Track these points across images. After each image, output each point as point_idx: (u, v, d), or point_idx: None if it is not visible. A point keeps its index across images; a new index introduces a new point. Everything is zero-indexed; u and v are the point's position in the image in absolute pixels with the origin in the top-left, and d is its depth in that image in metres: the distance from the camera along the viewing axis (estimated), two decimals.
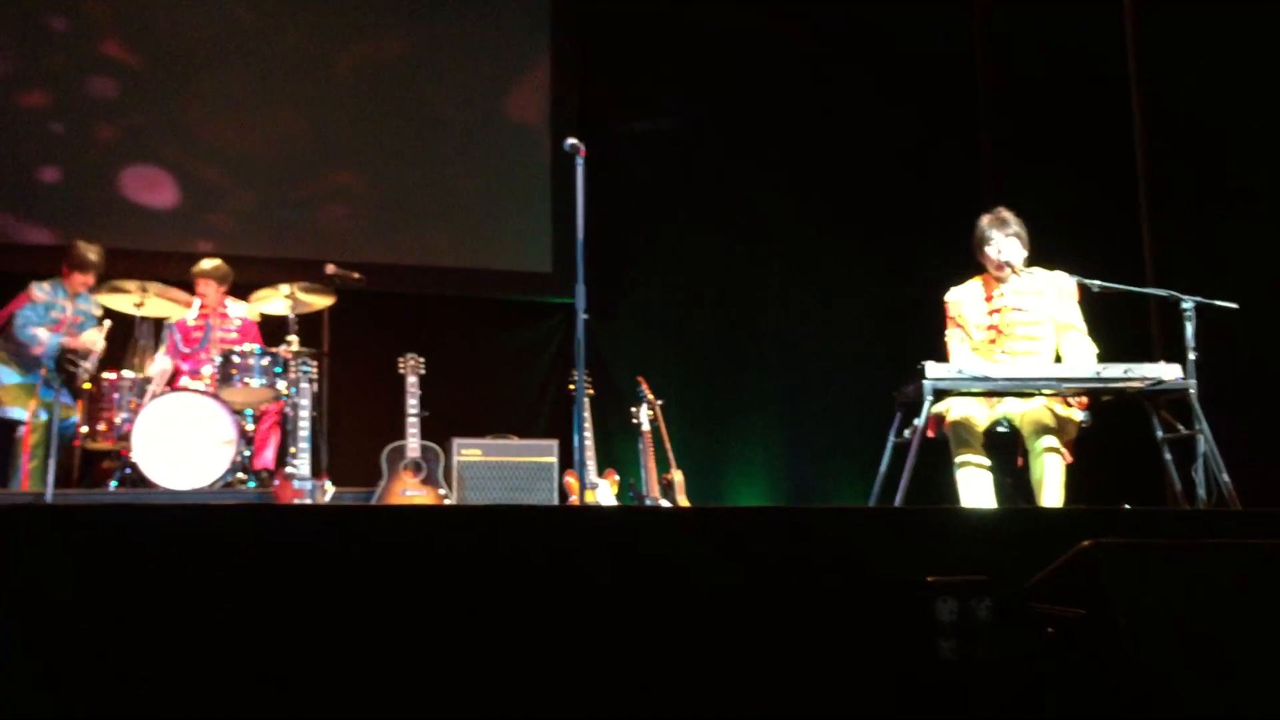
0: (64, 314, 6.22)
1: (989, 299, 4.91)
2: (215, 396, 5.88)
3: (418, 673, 2.38)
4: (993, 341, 4.86)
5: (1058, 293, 4.83)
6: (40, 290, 6.21)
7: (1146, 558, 1.92)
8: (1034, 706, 2.06)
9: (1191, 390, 4.46)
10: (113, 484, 5.81)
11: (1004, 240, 4.84)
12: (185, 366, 6.35)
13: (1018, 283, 4.85)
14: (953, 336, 4.98)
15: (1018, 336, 4.82)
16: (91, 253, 6.22)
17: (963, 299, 4.97)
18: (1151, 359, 4.60)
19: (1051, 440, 4.57)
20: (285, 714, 2.29)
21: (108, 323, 6.18)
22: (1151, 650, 1.82)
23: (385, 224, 7.62)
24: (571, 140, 4.66)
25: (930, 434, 4.71)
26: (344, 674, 2.35)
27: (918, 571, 2.27)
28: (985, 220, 4.90)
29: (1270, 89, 5.71)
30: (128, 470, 5.75)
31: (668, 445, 6.25)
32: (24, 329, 6.09)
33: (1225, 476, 4.40)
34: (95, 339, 6.09)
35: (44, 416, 5.83)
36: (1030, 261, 4.89)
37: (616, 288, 6.89)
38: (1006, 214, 4.90)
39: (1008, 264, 4.83)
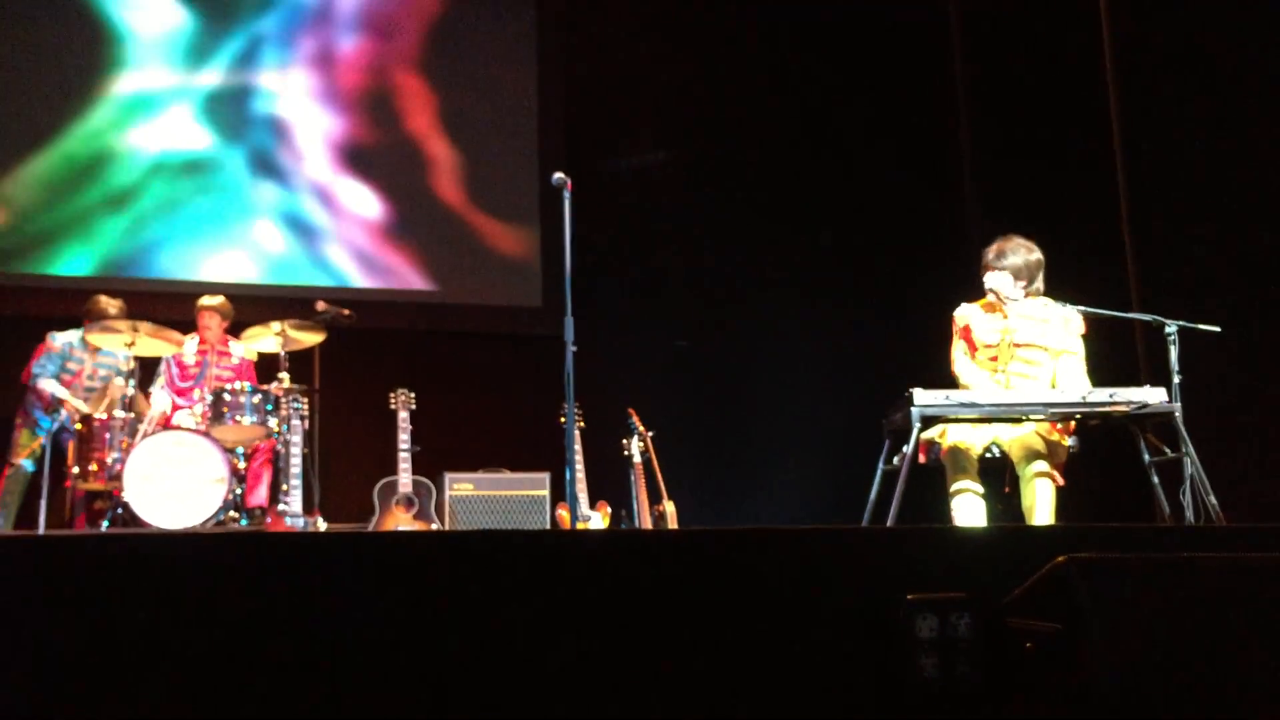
0: (81, 366, 6.24)
1: (993, 323, 4.93)
2: (207, 435, 5.89)
3: (407, 698, 2.39)
4: (994, 359, 4.88)
5: (1064, 325, 4.85)
6: (55, 340, 6.23)
7: (1120, 571, 1.94)
8: None
9: (1177, 414, 4.48)
10: (105, 524, 5.81)
11: (993, 274, 4.88)
12: (180, 401, 6.36)
13: (1022, 308, 4.88)
14: (958, 348, 5.00)
15: (1017, 359, 4.84)
16: (112, 307, 6.21)
17: (970, 315, 4.99)
18: (1137, 383, 4.63)
19: (1042, 465, 4.58)
20: None
21: (118, 381, 6.17)
22: (1126, 663, 1.84)
23: (375, 259, 7.67)
24: (559, 174, 4.71)
25: (922, 460, 4.72)
26: (334, 699, 2.36)
27: (899, 590, 2.29)
28: (990, 249, 4.94)
29: (1253, 111, 5.77)
30: (119, 510, 5.75)
31: (659, 476, 6.26)
32: (36, 379, 6.13)
33: (1212, 498, 4.42)
34: (78, 406, 6.11)
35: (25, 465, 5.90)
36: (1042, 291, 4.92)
37: (606, 320, 6.90)
38: (1006, 244, 4.90)
39: (996, 294, 4.87)
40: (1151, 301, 5.52)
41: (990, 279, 4.88)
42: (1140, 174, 6.26)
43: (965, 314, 5.01)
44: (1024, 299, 4.86)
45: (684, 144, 7.98)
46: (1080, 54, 6.65)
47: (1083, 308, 4.82)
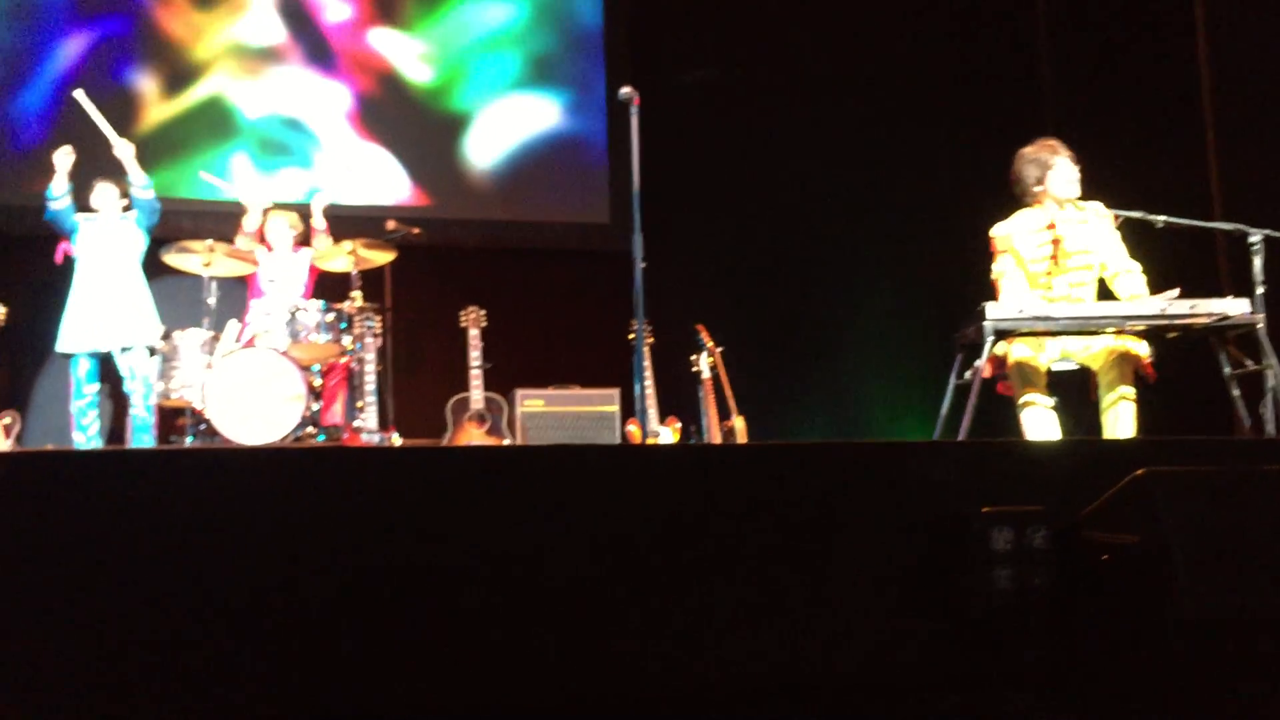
0: None
1: (1041, 230, 4.80)
2: (284, 353, 5.98)
3: (483, 609, 2.44)
4: (1048, 273, 4.77)
5: (1103, 224, 4.75)
6: None
7: (1199, 484, 1.92)
8: (1089, 631, 2.08)
9: (1260, 325, 4.39)
10: (188, 440, 5.96)
11: (1070, 169, 4.74)
12: (254, 321, 6.45)
13: (1066, 213, 4.76)
14: (1004, 270, 4.85)
15: (1068, 268, 4.73)
16: None
17: (1013, 232, 4.84)
18: (1219, 294, 4.53)
19: (1126, 387, 4.52)
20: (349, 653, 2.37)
21: None
22: (1204, 575, 1.83)
23: (443, 177, 7.69)
24: (626, 89, 4.66)
25: (990, 374, 4.68)
26: (409, 608, 2.42)
27: (974, 503, 2.29)
28: (1043, 151, 4.77)
29: None
30: (201, 426, 5.90)
31: (728, 392, 6.27)
32: None
33: None
34: None
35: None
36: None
37: (674, 236, 6.87)
38: (1057, 142, 4.80)
39: (1070, 198, 4.75)
40: (1235, 210, 5.35)
41: (1070, 176, 4.73)
42: (1226, 78, 6.05)
43: (1005, 232, 4.84)
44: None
45: (755, 57, 7.84)
46: None
47: (1165, 217, 4.69)
